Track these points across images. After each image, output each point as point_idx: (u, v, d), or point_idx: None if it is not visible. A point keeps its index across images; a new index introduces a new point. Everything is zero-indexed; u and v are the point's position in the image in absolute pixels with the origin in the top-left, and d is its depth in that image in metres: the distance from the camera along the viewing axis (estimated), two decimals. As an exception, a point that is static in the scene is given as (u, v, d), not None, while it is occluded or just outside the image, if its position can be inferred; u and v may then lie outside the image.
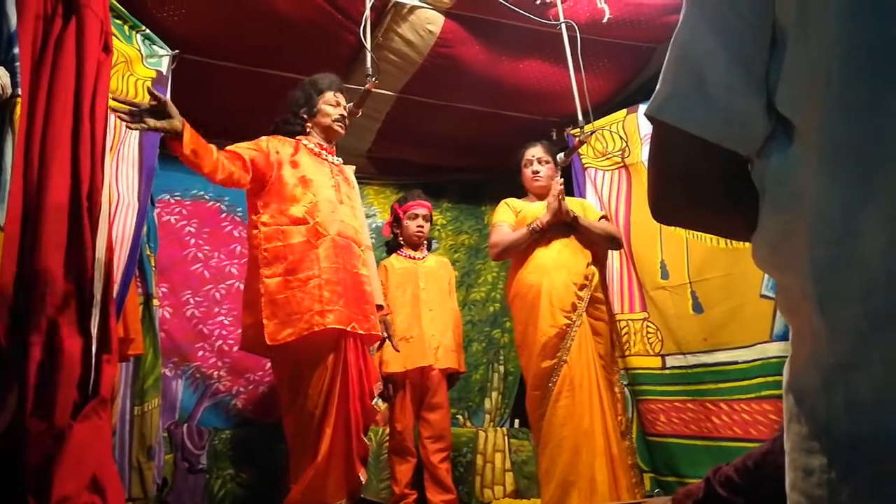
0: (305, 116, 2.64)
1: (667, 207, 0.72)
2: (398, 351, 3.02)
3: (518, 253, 2.90)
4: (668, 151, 0.69)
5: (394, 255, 3.51)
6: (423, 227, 3.46)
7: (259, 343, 2.32)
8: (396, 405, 3.22)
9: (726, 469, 0.95)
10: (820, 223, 0.55)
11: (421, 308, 3.31)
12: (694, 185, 0.68)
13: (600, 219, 3.04)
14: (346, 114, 2.66)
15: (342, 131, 2.66)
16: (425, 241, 3.54)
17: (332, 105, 2.64)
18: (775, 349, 2.55)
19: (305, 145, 2.57)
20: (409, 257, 3.47)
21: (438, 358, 3.26)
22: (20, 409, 1.64)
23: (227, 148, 2.33)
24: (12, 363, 1.63)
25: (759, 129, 0.63)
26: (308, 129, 2.64)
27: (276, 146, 2.47)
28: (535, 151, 3.09)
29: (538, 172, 3.05)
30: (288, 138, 2.56)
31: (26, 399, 1.63)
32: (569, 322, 2.73)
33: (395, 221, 3.53)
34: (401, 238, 3.51)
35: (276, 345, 2.26)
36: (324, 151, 2.62)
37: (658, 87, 0.68)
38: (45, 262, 1.70)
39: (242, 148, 2.37)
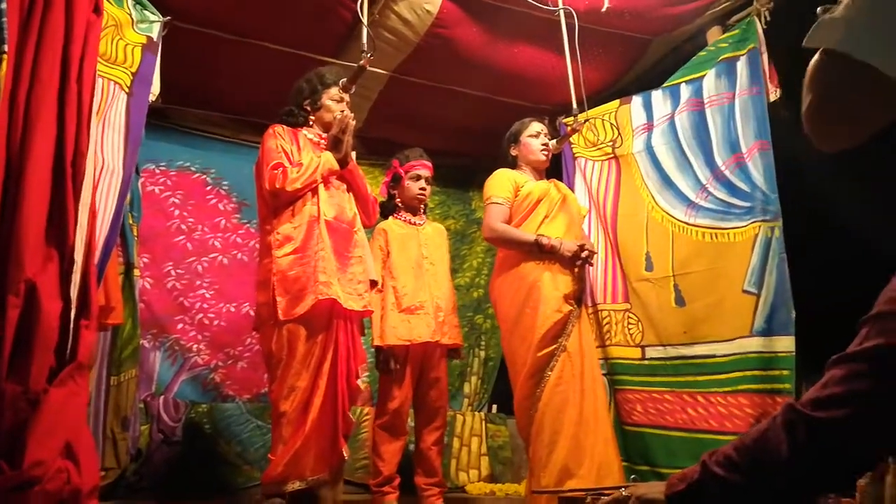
0: (309, 109, 2.70)
1: (836, 138, 0.79)
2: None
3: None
4: (851, 89, 0.72)
5: (391, 218, 3.17)
6: (425, 189, 3.14)
7: (269, 320, 2.40)
8: (395, 380, 2.93)
9: (724, 449, 0.97)
10: None
11: (425, 277, 3.05)
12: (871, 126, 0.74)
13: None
14: (348, 111, 2.66)
15: None
16: (423, 206, 3.24)
17: (336, 101, 2.68)
18: (754, 344, 2.57)
19: (305, 136, 2.66)
20: (409, 222, 3.16)
21: (445, 332, 3.01)
22: (-5, 371, 1.61)
23: (277, 163, 2.47)
24: (-11, 325, 1.61)
25: None
26: (311, 122, 2.71)
27: (283, 145, 2.55)
28: (543, 127, 2.99)
29: (548, 146, 2.95)
30: (289, 129, 2.63)
31: (1, 361, 1.61)
32: (571, 308, 2.69)
33: (394, 181, 3.20)
34: (398, 200, 3.18)
35: (287, 319, 2.35)
36: (322, 141, 2.67)
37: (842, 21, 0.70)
38: (26, 224, 1.67)
39: (283, 161, 2.51)
